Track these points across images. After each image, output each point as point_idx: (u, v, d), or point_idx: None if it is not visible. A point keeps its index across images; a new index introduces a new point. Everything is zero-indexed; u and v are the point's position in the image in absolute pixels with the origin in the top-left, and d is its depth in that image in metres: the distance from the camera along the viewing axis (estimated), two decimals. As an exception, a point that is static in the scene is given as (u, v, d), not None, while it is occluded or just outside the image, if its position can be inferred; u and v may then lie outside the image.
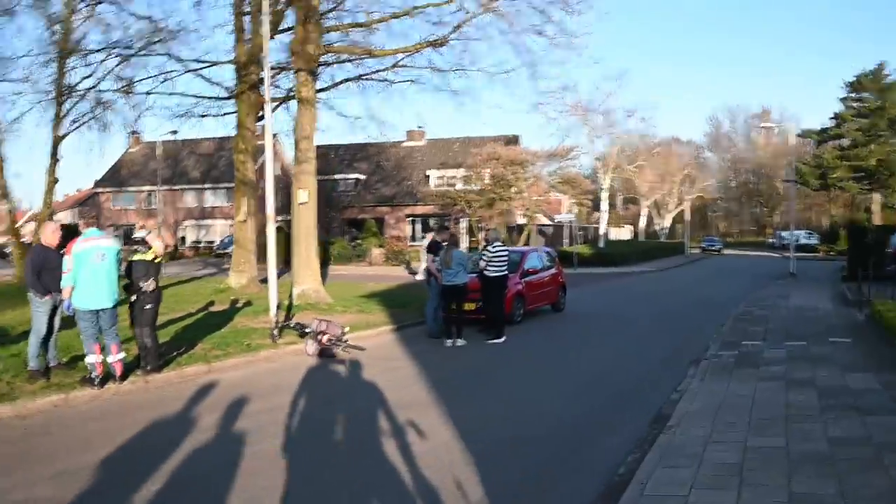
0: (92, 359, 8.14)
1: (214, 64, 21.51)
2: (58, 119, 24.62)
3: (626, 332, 13.87)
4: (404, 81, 20.37)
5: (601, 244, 49.63)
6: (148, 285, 8.83)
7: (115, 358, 8.39)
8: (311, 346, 10.86)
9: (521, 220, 43.68)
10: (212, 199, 54.21)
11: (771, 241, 73.43)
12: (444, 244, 12.65)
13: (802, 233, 61.30)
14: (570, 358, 11.15)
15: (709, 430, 6.22)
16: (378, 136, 22.19)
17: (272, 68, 16.99)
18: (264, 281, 14.59)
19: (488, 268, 12.65)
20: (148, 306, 8.87)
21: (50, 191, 25.07)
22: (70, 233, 9.62)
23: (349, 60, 20.33)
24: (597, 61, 72.06)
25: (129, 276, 8.96)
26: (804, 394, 7.52)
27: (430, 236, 13.31)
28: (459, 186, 41.85)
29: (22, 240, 26.38)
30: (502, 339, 12.30)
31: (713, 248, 62.36)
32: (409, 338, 12.93)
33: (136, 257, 8.94)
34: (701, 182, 73.09)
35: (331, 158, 48.70)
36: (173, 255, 48.15)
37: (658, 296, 22.22)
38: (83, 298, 8.03)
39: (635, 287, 26.24)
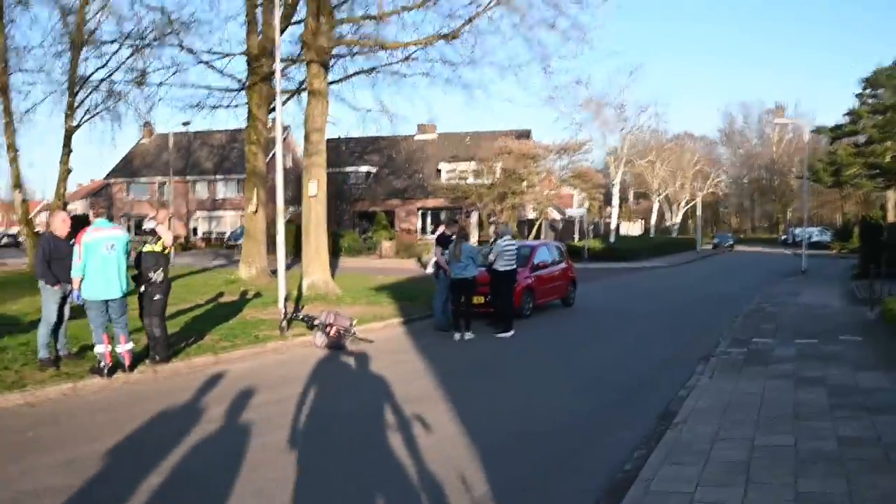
0: (101, 348, 8.19)
1: (226, 55, 21.59)
2: (71, 110, 24.78)
3: (635, 327, 13.82)
4: (416, 74, 20.35)
5: (612, 239, 49.50)
6: (157, 276, 8.88)
7: (124, 348, 8.43)
8: (319, 338, 10.89)
9: (532, 215, 43.59)
10: (223, 191, 54.44)
11: (783, 237, 72.99)
12: (453, 237, 12.63)
13: (815, 230, 60.95)
14: (579, 353, 11.12)
15: (716, 428, 6.19)
16: (389, 129, 22.14)
17: (284, 60, 17.02)
18: (274, 272, 14.62)
19: (497, 262, 12.62)
20: (157, 297, 8.92)
21: (63, 181, 25.23)
22: (80, 223, 9.65)
23: (361, 53, 20.30)
24: (610, 55, 71.77)
25: (139, 266, 9.00)
26: (813, 392, 7.47)
27: (441, 229, 13.28)
28: (471, 180, 41.79)
29: (35, 230, 26.58)
30: (511, 334, 12.28)
31: (725, 244, 62.04)
32: (418, 331, 12.93)
33: (145, 248, 8.98)
34: (713, 178, 72.65)
35: (342, 151, 48.72)
36: (185, 245, 48.44)
37: (668, 292, 22.13)
38: (92, 288, 8.07)
39: (645, 282, 26.15)
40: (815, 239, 54.81)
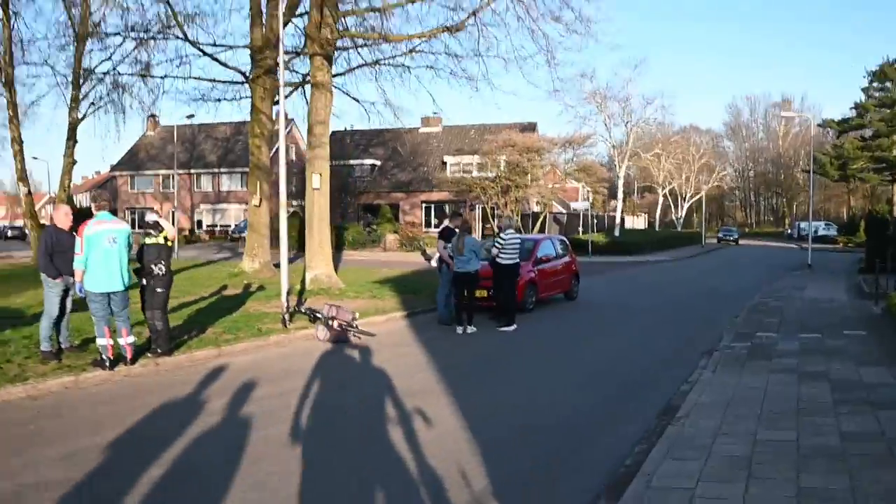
0: (103, 341, 8.19)
1: (230, 48, 21.61)
2: (75, 102, 24.83)
3: (639, 321, 13.79)
4: (421, 67, 20.31)
5: (616, 233, 49.40)
6: (159, 269, 8.88)
7: (126, 341, 8.44)
8: (321, 332, 10.89)
9: (536, 208, 43.53)
10: (228, 184, 54.53)
11: (788, 231, 72.81)
12: (456, 231, 12.61)
13: (821, 224, 60.76)
14: (582, 347, 11.10)
15: (718, 423, 6.16)
16: (393, 122, 22.06)
17: (287, 53, 17.00)
18: (278, 265, 14.63)
19: (500, 255, 12.58)
20: (159, 289, 8.92)
21: (67, 172, 25.29)
22: (82, 215, 9.65)
23: (365, 45, 20.25)
24: (614, 48, 71.54)
25: (141, 259, 9.00)
26: (817, 387, 7.43)
27: (445, 222, 13.27)
28: (475, 173, 41.73)
29: (40, 222, 26.65)
30: (513, 328, 12.26)
31: (730, 238, 61.90)
32: (421, 324, 12.92)
33: (148, 241, 8.98)
34: (719, 171, 72.44)
35: (347, 144, 48.74)
36: (189, 238, 48.53)
37: (672, 285, 22.08)
38: (94, 281, 8.07)
39: (649, 276, 26.09)
40: (820, 233, 54.70)
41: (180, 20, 20.79)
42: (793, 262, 32.91)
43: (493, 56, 19.15)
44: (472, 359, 10.03)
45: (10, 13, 23.30)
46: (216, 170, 54.14)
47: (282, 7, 13.50)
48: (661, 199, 69.94)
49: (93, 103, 25.48)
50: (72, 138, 25.19)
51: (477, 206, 41.66)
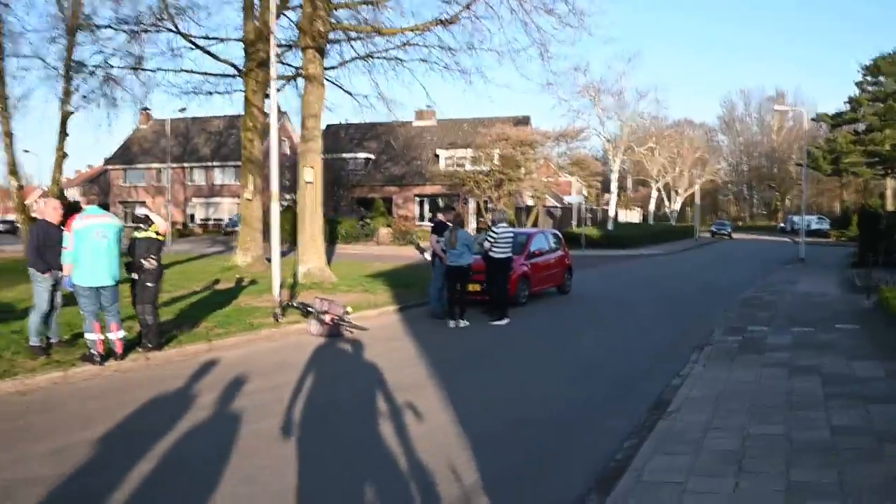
0: (92, 336, 8.14)
1: (223, 41, 21.58)
2: (66, 95, 24.61)
3: (631, 315, 13.80)
4: (414, 60, 20.21)
5: (610, 226, 49.47)
6: (149, 263, 8.82)
7: (116, 336, 8.39)
8: (313, 326, 10.86)
9: (529, 202, 43.51)
10: (221, 177, 54.37)
11: (781, 225, 73.03)
12: (449, 224, 12.57)
13: (814, 218, 60.93)
14: (574, 341, 11.09)
15: (709, 417, 6.16)
16: (387, 115, 21.98)
17: (280, 45, 16.92)
18: (271, 259, 14.58)
19: (493, 249, 12.56)
20: (149, 284, 8.87)
21: (58, 166, 25.11)
22: (72, 209, 9.57)
23: (358, 38, 20.15)
24: (608, 41, 71.53)
25: (131, 253, 8.95)
26: (808, 381, 7.44)
27: (438, 216, 13.24)
28: (468, 167, 41.66)
29: (32, 215, 26.49)
30: (506, 322, 12.25)
31: (723, 231, 62.11)
32: (413, 318, 12.90)
33: (138, 235, 8.92)
34: (712, 165, 72.53)
35: (341, 137, 48.59)
36: (182, 232, 48.40)
37: (665, 279, 22.11)
38: (84, 275, 8.01)
39: (643, 270, 26.12)
40: (813, 227, 54.85)
41: (172, 12, 20.67)
42: (786, 256, 33.01)
43: (486, 49, 19.11)
44: (465, 353, 10.01)
45: (1, 5, 23.08)
46: (209, 163, 53.97)
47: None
48: (654, 193, 70.01)
49: (84, 96, 25.28)
50: (63, 131, 25.00)
51: (470, 199, 41.62)
